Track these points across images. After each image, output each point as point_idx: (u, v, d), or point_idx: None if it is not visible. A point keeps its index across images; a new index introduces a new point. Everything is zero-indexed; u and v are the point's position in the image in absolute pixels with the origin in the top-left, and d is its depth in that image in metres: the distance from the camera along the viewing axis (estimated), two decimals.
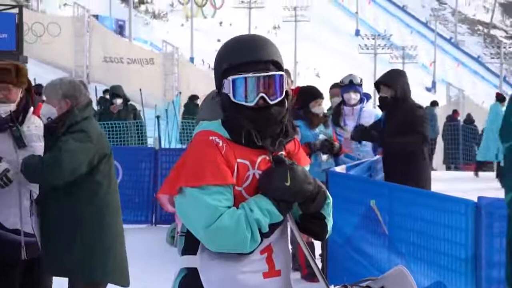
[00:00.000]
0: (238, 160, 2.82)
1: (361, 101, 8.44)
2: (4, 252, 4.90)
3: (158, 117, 15.22)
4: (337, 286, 2.89)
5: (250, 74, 2.81)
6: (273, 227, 2.80)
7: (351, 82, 8.41)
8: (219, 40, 59.43)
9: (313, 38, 64.77)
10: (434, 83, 65.76)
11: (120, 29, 49.23)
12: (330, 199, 2.94)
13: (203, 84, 33.48)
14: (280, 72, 2.87)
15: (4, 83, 4.96)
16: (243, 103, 2.82)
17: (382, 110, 7.67)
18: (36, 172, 4.79)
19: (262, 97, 2.82)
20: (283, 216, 2.82)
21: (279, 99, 2.85)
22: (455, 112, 26.49)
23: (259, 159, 2.86)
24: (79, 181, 4.87)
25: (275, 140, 2.87)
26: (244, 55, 2.84)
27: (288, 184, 2.77)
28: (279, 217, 2.80)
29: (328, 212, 2.93)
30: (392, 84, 7.38)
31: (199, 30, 57.75)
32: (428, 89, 64.93)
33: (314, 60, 61.99)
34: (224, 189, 2.77)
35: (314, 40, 64.70)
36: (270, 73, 2.84)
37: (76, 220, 4.86)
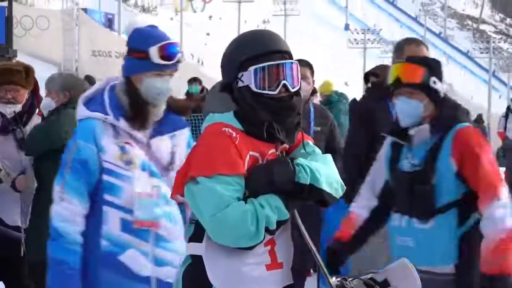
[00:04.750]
0: (251, 152, 2.86)
1: None
2: (5, 249, 4.95)
3: None
4: (337, 279, 2.92)
5: (271, 62, 2.87)
6: (279, 224, 2.83)
7: None
8: (208, 34, 59.45)
9: (303, 32, 64.78)
10: None
11: (109, 23, 49.14)
12: (299, 162, 2.85)
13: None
14: (295, 61, 2.94)
15: (14, 84, 4.98)
16: (266, 91, 2.86)
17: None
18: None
19: (284, 85, 2.87)
20: (290, 214, 2.86)
21: (297, 88, 2.92)
22: None
23: (269, 153, 2.90)
24: None
25: (292, 133, 2.92)
26: (263, 46, 2.89)
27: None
28: (286, 215, 2.84)
29: (304, 178, 2.83)
30: (380, 73, 7.50)
31: (188, 25, 57.68)
32: None
33: (303, 55, 61.96)
34: (234, 179, 2.80)
35: (303, 34, 64.72)
36: (291, 61, 2.91)
37: None
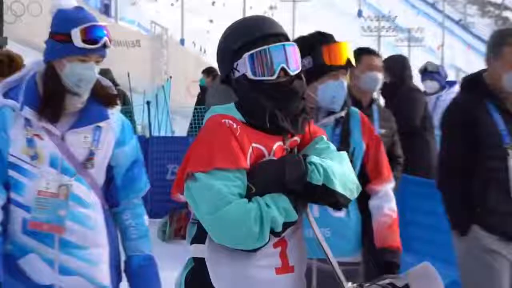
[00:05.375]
0: (253, 144, 2.84)
1: (441, 89, 8.54)
2: None
3: (148, 102, 15.21)
4: (353, 284, 2.89)
5: (265, 46, 2.87)
6: (285, 226, 2.79)
7: (425, 69, 8.50)
8: (211, 21, 59.31)
9: (313, 19, 64.65)
10: (442, 68, 65.73)
11: (105, 9, 49.07)
12: (312, 160, 2.83)
13: (193, 68, 33.44)
14: (293, 43, 2.93)
15: None
16: (264, 77, 2.86)
17: (382, 97, 7.84)
18: None
19: (282, 69, 2.86)
20: (299, 215, 2.83)
21: (298, 70, 2.91)
22: None
23: (275, 146, 2.88)
24: None
25: (297, 120, 2.89)
26: (256, 31, 2.90)
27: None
28: (295, 216, 2.81)
29: (317, 178, 2.80)
30: (391, 69, 7.53)
31: (190, 11, 57.61)
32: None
33: None
34: (235, 174, 2.77)
35: (313, 21, 64.57)
36: (286, 42, 2.91)
37: None
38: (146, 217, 3.89)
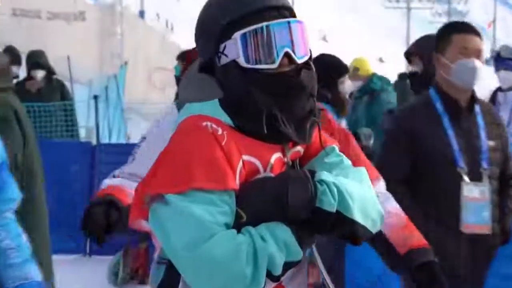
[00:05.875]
0: (244, 157, 2.82)
1: None
2: None
3: (96, 97, 15.21)
4: None
5: (264, 23, 2.83)
6: (286, 267, 2.76)
7: (498, 55, 8.28)
8: None
9: None
10: (494, 51, 66.02)
11: None
12: (323, 178, 2.82)
13: (157, 50, 33.45)
14: (300, 20, 2.89)
15: None
16: (261, 65, 2.83)
17: (413, 91, 7.89)
18: None
19: (286, 54, 2.83)
20: (304, 252, 2.80)
21: (306, 57, 2.89)
22: None
23: (273, 158, 2.87)
24: None
25: (303, 125, 2.87)
26: (250, 2, 2.86)
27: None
28: (299, 254, 2.77)
29: (330, 202, 2.79)
30: (424, 54, 7.56)
31: None
32: (486, 61, 65.11)
33: (318, 18, 62.08)
34: (220, 197, 2.73)
35: None
36: (293, 19, 2.88)
37: None
38: (25, 236, 3.95)
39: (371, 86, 10.52)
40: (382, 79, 10.75)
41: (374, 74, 10.86)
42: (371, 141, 8.25)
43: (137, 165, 4.48)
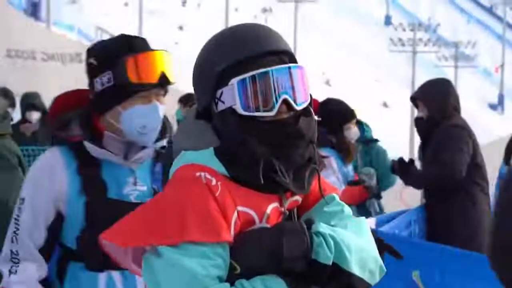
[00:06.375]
0: (239, 208, 2.82)
1: None
2: None
3: None
4: None
5: (263, 69, 2.84)
6: None
7: None
8: (181, 28, 59.77)
9: (321, 27, 65.25)
10: (501, 97, 66.30)
11: (33, 9, 49.45)
12: (320, 230, 2.83)
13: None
14: (300, 65, 2.90)
15: None
16: (259, 113, 2.84)
17: (419, 136, 7.93)
18: None
19: (284, 101, 2.83)
20: None
21: (305, 104, 2.89)
22: None
23: (269, 208, 2.88)
24: None
25: (302, 174, 2.88)
26: (249, 46, 2.87)
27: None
28: None
29: (326, 255, 2.81)
30: (428, 99, 7.59)
31: (151, 13, 58.04)
32: (493, 106, 65.43)
33: (322, 62, 62.41)
34: (214, 249, 2.75)
35: (322, 31, 65.17)
36: (293, 64, 2.88)
37: None
38: None
39: (364, 135, 10.65)
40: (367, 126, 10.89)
41: (362, 122, 10.99)
42: (374, 181, 8.24)
43: (25, 247, 4.14)
